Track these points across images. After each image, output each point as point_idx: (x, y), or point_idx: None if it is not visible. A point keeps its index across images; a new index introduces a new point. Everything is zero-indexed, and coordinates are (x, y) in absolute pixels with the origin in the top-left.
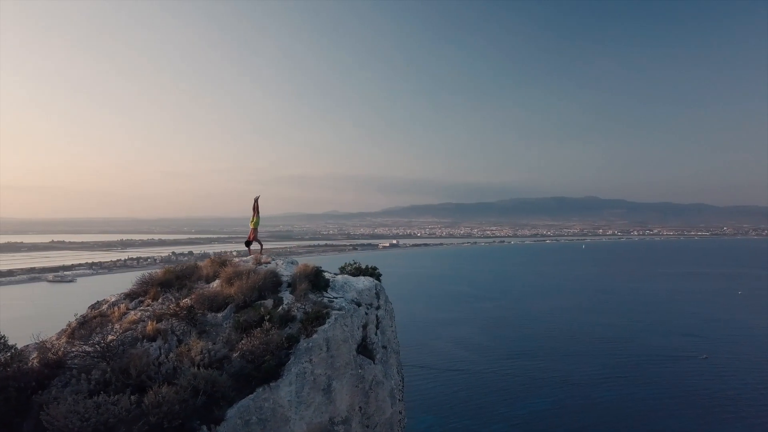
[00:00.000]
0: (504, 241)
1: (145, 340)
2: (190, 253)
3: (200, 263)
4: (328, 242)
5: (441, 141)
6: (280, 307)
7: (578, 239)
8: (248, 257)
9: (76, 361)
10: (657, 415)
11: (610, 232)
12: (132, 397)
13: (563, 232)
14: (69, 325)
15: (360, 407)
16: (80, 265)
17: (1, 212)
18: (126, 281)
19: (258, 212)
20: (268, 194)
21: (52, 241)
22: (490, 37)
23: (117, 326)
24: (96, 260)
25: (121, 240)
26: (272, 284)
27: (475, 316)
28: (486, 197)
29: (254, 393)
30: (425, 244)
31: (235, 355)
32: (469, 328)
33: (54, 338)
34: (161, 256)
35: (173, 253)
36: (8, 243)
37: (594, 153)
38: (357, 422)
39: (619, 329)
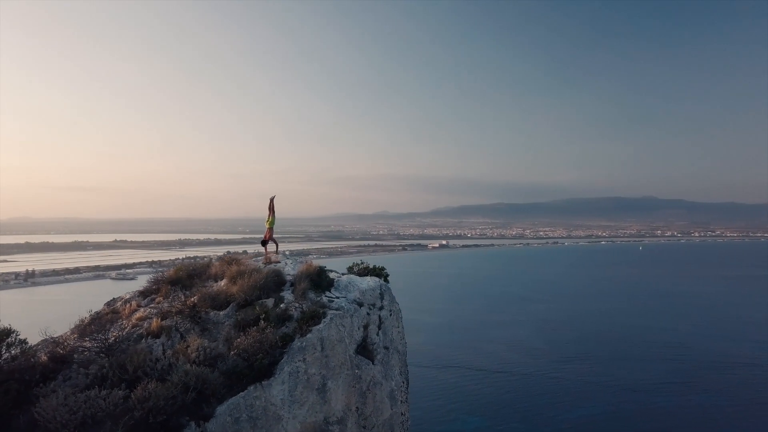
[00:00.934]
0: (557, 242)
1: (149, 337)
2: (245, 252)
3: (216, 262)
4: (378, 242)
5: (491, 140)
6: (279, 306)
7: (635, 240)
8: (261, 256)
9: (82, 355)
10: (717, 424)
11: (668, 233)
12: (121, 392)
13: (619, 233)
14: (82, 320)
15: (357, 407)
16: (141, 263)
17: (71, 213)
18: None
19: (273, 212)
20: (322, 195)
21: (115, 241)
22: (538, 35)
23: (125, 323)
24: (155, 259)
25: (180, 239)
26: (274, 283)
27: (527, 318)
28: (539, 197)
29: (245, 391)
30: (476, 245)
31: (232, 353)
32: (520, 330)
33: (68, 333)
34: (217, 255)
35: (228, 252)
36: (75, 242)
37: (651, 152)
38: (353, 422)
39: (678, 334)
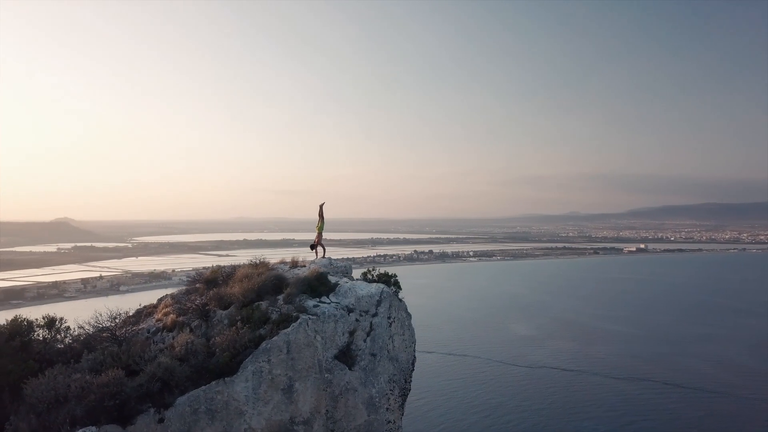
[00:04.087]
0: None
1: (165, 330)
2: (430, 251)
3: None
4: (566, 245)
5: (699, 131)
6: (268, 309)
7: None
8: (289, 259)
9: (101, 344)
10: None
11: None
12: (88, 376)
13: None
14: (127, 312)
15: (327, 411)
16: (337, 260)
17: (279, 213)
18: None
19: (322, 218)
20: (506, 195)
21: None
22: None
23: (155, 317)
24: (350, 256)
25: (372, 238)
26: (273, 287)
27: (738, 332)
28: (760, 196)
29: (208, 385)
30: (679, 250)
31: (218, 349)
32: (728, 346)
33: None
34: (404, 254)
35: (415, 251)
36: (284, 239)
37: None
38: (320, 424)
39: None
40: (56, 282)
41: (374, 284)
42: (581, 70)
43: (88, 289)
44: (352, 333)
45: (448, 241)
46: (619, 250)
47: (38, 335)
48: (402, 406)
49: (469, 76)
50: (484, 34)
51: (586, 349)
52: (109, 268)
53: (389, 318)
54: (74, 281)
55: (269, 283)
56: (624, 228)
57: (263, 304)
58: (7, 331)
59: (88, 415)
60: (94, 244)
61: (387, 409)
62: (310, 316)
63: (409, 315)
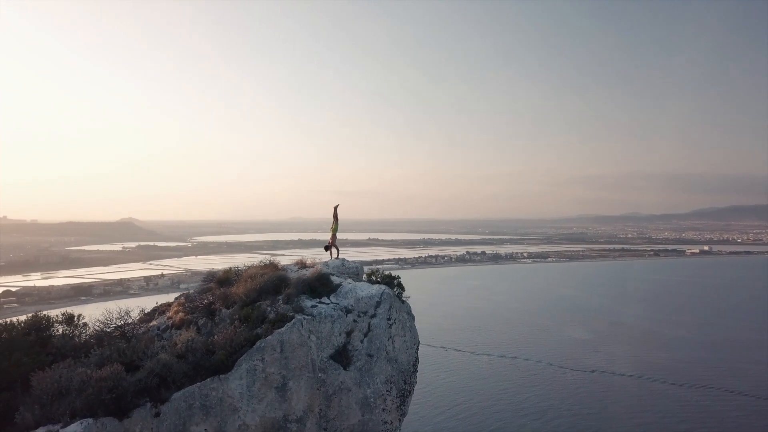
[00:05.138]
0: None
1: (173, 328)
2: (483, 252)
3: (254, 265)
4: (625, 246)
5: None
6: (267, 308)
7: None
8: (297, 260)
9: (112, 339)
10: None
11: None
12: (89, 371)
13: None
14: (143, 310)
15: (320, 410)
16: (389, 260)
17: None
18: (420, 276)
19: (337, 219)
20: (558, 196)
21: (369, 239)
22: None
23: (167, 314)
24: (401, 256)
25: (423, 239)
26: (274, 287)
27: None
28: None
29: (203, 381)
30: (746, 252)
31: (216, 347)
32: None
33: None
34: (456, 255)
35: (467, 252)
36: (337, 239)
37: None
38: (313, 423)
39: None
40: (121, 279)
41: (376, 285)
42: (632, 61)
43: (150, 286)
44: (349, 333)
45: (502, 242)
46: (681, 252)
47: (58, 331)
48: (401, 407)
49: (514, 71)
50: (525, 26)
51: (643, 354)
52: (170, 266)
53: (389, 319)
54: (137, 279)
55: (271, 284)
56: (687, 229)
57: (263, 304)
58: (25, 326)
59: (87, 408)
60: (156, 243)
61: (383, 409)
62: (305, 317)
63: (411, 317)
